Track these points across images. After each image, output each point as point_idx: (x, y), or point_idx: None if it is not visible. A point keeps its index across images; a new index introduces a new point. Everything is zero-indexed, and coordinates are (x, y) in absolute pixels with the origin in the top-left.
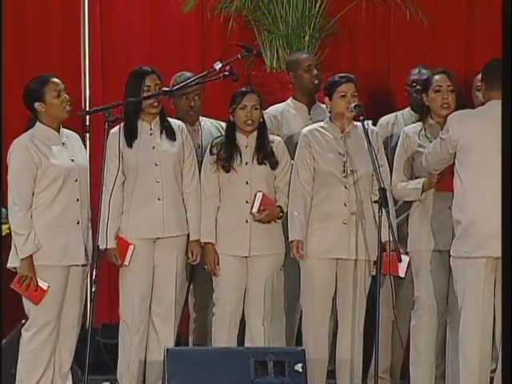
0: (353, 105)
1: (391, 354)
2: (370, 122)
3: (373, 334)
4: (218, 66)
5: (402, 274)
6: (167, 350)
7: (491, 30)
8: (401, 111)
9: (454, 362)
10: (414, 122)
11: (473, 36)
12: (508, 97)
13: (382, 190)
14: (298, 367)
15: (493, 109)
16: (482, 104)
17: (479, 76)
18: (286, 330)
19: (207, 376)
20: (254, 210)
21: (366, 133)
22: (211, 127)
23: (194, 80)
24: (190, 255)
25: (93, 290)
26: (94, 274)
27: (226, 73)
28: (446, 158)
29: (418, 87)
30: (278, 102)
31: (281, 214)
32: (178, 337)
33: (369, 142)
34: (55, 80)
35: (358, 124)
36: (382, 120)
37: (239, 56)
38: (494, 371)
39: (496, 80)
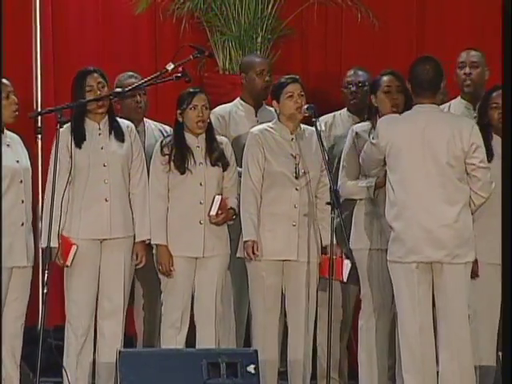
0: (305, 106)
1: (339, 354)
2: (323, 123)
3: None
4: (170, 67)
5: (345, 278)
6: (119, 351)
7: (442, 32)
8: (338, 112)
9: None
10: (358, 123)
11: (423, 37)
12: (508, 97)
13: (335, 192)
14: (251, 368)
15: (419, 113)
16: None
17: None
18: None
19: (160, 377)
20: (213, 212)
21: (319, 134)
22: (155, 130)
23: (146, 81)
24: (134, 257)
25: (44, 291)
26: (46, 275)
27: (179, 74)
28: (377, 162)
29: (353, 88)
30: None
31: (234, 216)
32: (130, 338)
33: (321, 144)
34: (4, 81)
35: (304, 126)
36: (320, 120)
37: (191, 57)
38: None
39: (421, 84)
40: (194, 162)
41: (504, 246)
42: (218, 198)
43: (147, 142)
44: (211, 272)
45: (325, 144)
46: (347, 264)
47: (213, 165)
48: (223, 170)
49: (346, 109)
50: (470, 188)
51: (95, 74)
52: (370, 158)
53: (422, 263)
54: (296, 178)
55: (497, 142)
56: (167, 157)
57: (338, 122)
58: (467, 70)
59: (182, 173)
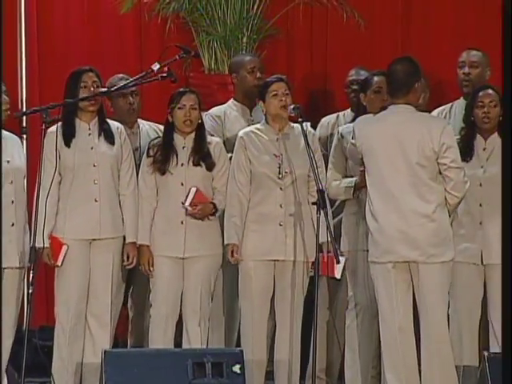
0: (292, 106)
1: (327, 353)
2: (309, 123)
3: (309, 335)
4: (155, 67)
5: (338, 275)
6: (105, 351)
7: (427, 31)
8: (342, 112)
9: None
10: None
11: (409, 37)
12: (508, 97)
13: (320, 192)
14: (236, 368)
15: (393, 113)
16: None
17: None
18: (226, 333)
19: (145, 377)
20: (187, 203)
21: (305, 135)
22: (149, 130)
23: (132, 81)
24: (125, 258)
25: (30, 291)
26: (31, 275)
27: (164, 74)
28: (359, 162)
29: (355, 87)
30: (217, 103)
31: (213, 210)
32: (116, 339)
33: (307, 144)
34: None
35: (295, 125)
36: (324, 120)
37: (177, 57)
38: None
39: (392, 84)
40: (177, 162)
41: (504, 246)
42: (193, 190)
43: (142, 142)
44: (197, 273)
45: (313, 144)
46: (341, 261)
47: (195, 165)
48: (208, 170)
49: (349, 109)
50: (444, 188)
51: (91, 73)
52: (354, 159)
53: (399, 263)
54: (279, 177)
55: (479, 141)
56: (151, 158)
57: (342, 121)
58: (466, 69)
59: (162, 174)
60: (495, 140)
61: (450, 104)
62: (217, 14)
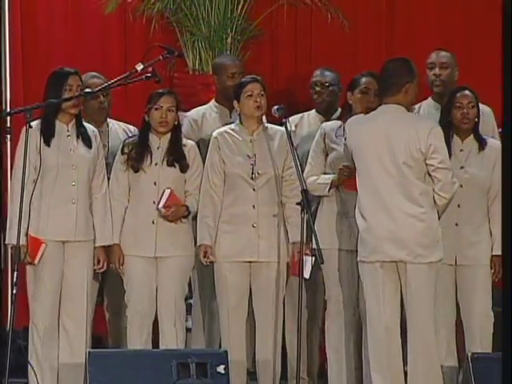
0: (275, 107)
1: (307, 354)
2: (293, 124)
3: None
4: (139, 67)
5: (306, 275)
6: (89, 352)
7: (411, 32)
8: (307, 112)
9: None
10: (324, 121)
11: (393, 38)
12: (508, 97)
13: (305, 192)
14: (221, 369)
15: (384, 113)
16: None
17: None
18: (208, 333)
19: (129, 378)
20: (160, 205)
21: (289, 135)
22: (119, 130)
23: (115, 81)
24: (95, 262)
25: (14, 292)
26: (15, 276)
27: (149, 74)
28: (348, 162)
29: (318, 88)
30: (201, 103)
31: (186, 213)
32: (99, 338)
33: (291, 144)
34: None
35: (270, 126)
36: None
37: (161, 57)
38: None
39: (382, 83)
40: (151, 161)
41: (504, 246)
42: (167, 192)
43: (111, 142)
44: (170, 273)
45: (287, 144)
46: (307, 261)
47: (169, 165)
48: (182, 172)
49: (314, 110)
50: (433, 189)
51: (77, 76)
52: (347, 159)
53: (386, 262)
54: (252, 178)
55: (456, 142)
56: (126, 156)
57: (305, 122)
58: (437, 70)
59: (136, 171)
60: (472, 142)
61: (419, 104)
62: (201, 14)
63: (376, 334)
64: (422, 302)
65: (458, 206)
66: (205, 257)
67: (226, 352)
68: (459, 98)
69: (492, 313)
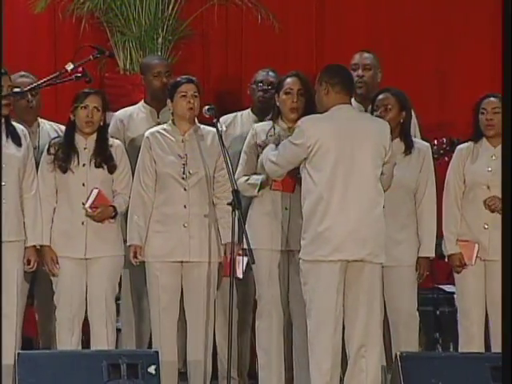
0: (206, 107)
1: (238, 354)
2: (226, 123)
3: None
4: (69, 67)
5: (239, 274)
6: (18, 353)
7: (340, 33)
8: (240, 112)
9: (301, 363)
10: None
11: (323, 38)
12: (509, 97)
13: (236, 192)
14: (152, 369)
15: (342, 112)
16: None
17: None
18: (138, 333)
19: (59, 379)
20: (87, 205)
21: (220, 135)
22: (50, 130)
23: (45, 81)
24: (25, 262)
25: None
26: None
27: (79, 74)
28: (298, 162)
29: (264, 87)
30: (132, 103)
31: (113, 213)
32: (30, 340)
33: (222, 145)
34: None
35: (202, 126)
36: (221, 119)
37: (91, 57)
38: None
39: (341, 84)
40: (78, 162)
41: (504, 245)
42: (95, 192)
43: (41, 142)
44: (100, 274)
45: (227, 144)
46: (240, 261)
47: (97, 167)
48: (110, 173)
49: (249, 109)
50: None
51: (6, 77)
52: (291, 160)
53: (343, 261)
54: (183, 178)
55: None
56: (52, 156)
57: (238, 121)
58: (360, 71)
59: (64, 172)
60: (399, 144)
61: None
62: (131, 14)
63: (325, 335)
64: (375, 301)
65: (383, 207)
66: (135, 257)
67: (156, 352)
68: (380, 100)
69: (417, 313)
